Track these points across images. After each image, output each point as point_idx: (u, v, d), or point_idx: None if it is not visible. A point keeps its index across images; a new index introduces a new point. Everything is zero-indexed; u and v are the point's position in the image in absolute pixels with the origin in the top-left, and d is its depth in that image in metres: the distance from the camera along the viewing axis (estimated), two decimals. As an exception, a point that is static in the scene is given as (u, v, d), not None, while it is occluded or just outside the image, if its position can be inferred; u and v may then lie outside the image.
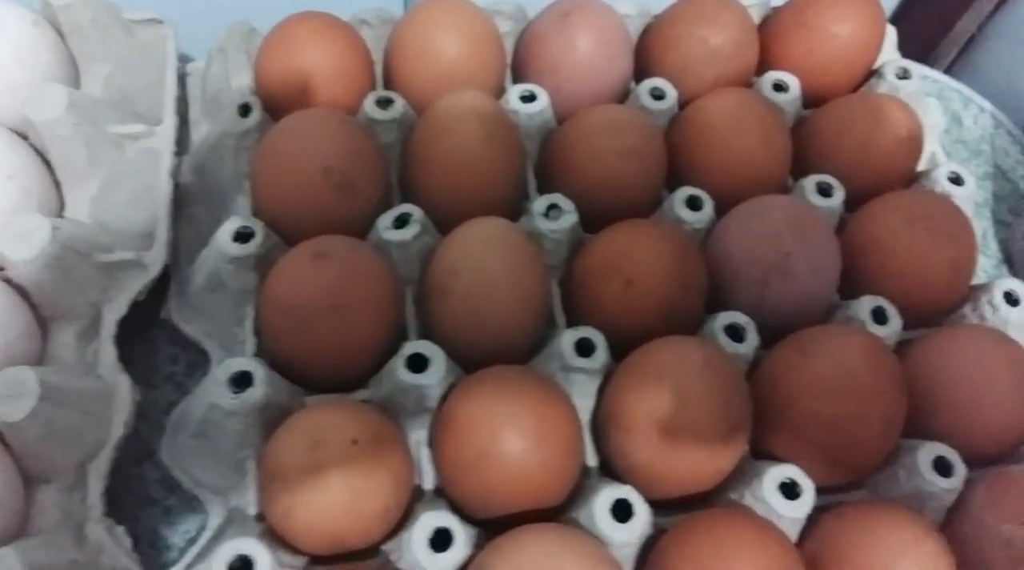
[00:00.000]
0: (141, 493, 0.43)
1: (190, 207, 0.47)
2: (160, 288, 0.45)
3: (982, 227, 0.54)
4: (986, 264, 0.53)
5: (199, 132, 0.50)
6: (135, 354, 0.46)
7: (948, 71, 0.65)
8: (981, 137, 0.58)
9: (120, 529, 0.38)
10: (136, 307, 0.43)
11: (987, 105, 0.59)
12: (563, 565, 0.32)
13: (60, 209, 0.45)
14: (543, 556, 0.32)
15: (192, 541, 0.41)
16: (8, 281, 0.40)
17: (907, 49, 0.58)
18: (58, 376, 0.38)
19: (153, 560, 0.41)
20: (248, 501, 0.38)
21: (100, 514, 0.38)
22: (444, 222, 0.43)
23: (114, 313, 0.41)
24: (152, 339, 0.46)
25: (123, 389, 0.40)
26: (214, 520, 0.39)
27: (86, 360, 0.41)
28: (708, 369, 0.37)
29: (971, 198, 0.47)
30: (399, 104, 0.46)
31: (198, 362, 0.45)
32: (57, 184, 0.45)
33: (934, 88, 0.59)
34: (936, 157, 0.52)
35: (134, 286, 0.42)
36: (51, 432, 0.37)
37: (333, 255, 0.39)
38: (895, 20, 0.65)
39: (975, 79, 0.62)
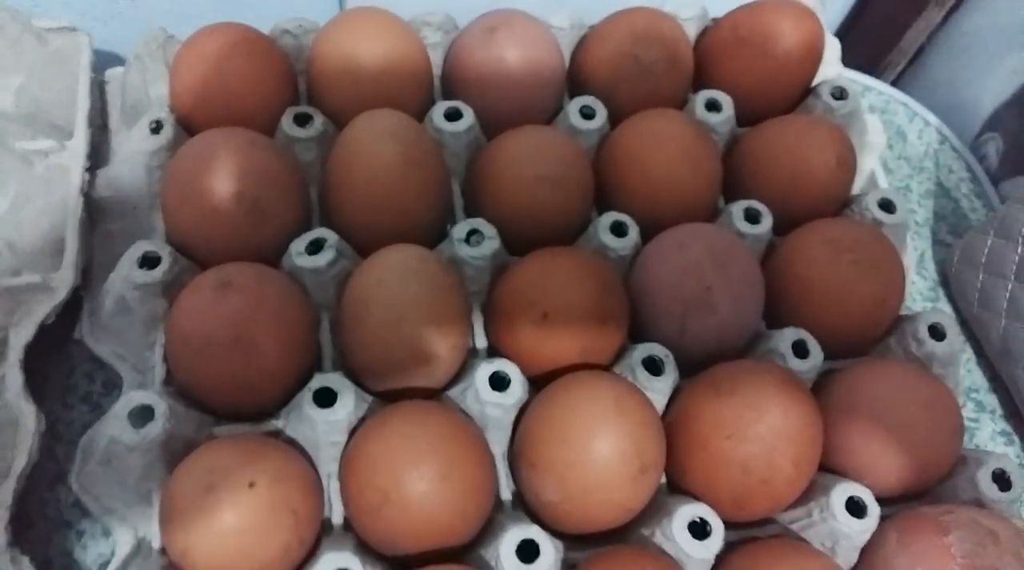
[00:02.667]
0: (55, 516, 0.42)
1: (106, 223, 0.46)
2: (76, 305, 0.44)
3: (920, 247, 0.54)
4: (923, 285, 0.53)
5: (119, 141, 0.48)
6: (51, 372, 0.45)
7: (896, 82, 0.64)
8: (925, 153, 0.57)
9: (25, 559, 0.37)
10: (51, 325, 0.42)
11: (933, 119, 0.58)
12: None
13: (-32, 227, 0.43)
14: None
15: (104, 566, 0.40)
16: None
17: (855, 60, 0.58)
18: (-44, 406, 0.37)
19: (66, 584, 0.41)
20: (154, 533, 0.38)
21: (4, 545, 0.37)
22: (362, 246, 0.42)
23: (21, 338, 0.40)
24: (68, 356, 0.46)
25: (28, 418, 0.39)
26: (122, 549, 0.39)
27: (-9, 387, 0.40)
28: (619, 411, 0.36)
29: (901, 225, 0.46)
30: (318, 122, 0.44)
31: (115, 380, 0.44)
32: (-36, 203, 0.43)
33: (879, 101, 0.58)
34: (875, 177, 0.51)
35: (41, 309, 0.41)
36: None
37: (237, 285, 0.38)
38: (843, 30, 0.64)
39: (923, 91, 0.61)
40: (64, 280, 0.41)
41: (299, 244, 0.41)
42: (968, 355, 0.50)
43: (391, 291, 0.38)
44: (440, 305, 0.39)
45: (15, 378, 0.40)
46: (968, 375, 0.49)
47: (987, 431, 0.49)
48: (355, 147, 0.41)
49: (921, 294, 0.52)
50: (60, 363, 0.45)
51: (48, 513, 0.42)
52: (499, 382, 0.39)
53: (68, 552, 0.41)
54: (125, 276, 0.40)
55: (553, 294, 0.40)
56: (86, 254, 0.44)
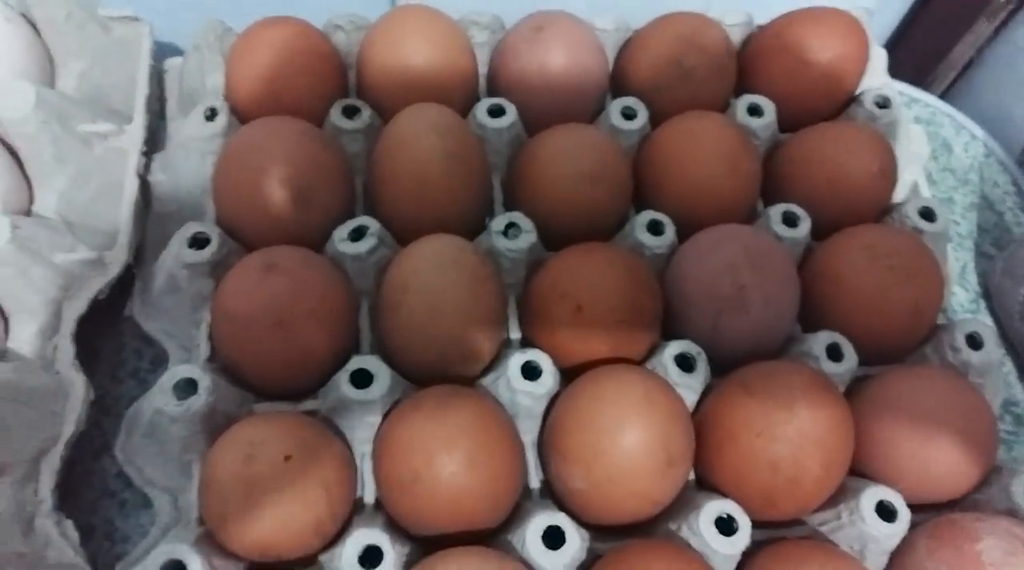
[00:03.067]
0: (100, 486, 0.44)
1: (160, 205, 0.47)
2: (129, 284, 0.46)
3: (963, 259, 0.53)
4: (964, 298, 0.52)
5: (176, 127, 0.50)
6: (102, 348, 0.47)
7: (944, 95, 0.64)
8: (971, 166, 0.57)
9: (69, 523, 0.39)
10: (103, 302, 0.44)
11: (979, 132, 0.57)
12: None
13: (30, 204, 0.45)
14: None
15: (144, 535, 0.42)
16: (-30, 273, 0.41)
17: (903, 72, 0.57)
18: (13, 372, 0.39)
19: (108, 551, 0.42)
20: (192, 503, 0.39)
21: (50, 508, 0.38)
22: (403, 235, 0.43)
23: (74, 311, 0.42)
24: (119, 333, 0.47)
25: (78, 387, 0.40)
26: (162, 518, 0.40)
27: (46, 356, 0.42)
28: (648, 403, 0.37)
29: (942, 234, 0.46)
30: (366, 114, 0.46)
31: (163, 358, 0.45)
32: (28, 180, 0.45)
33: (925, 113, 0.58)
34: (918, 187, 0.51)
35: (95, 285, 0.43)
36: (3, 426, 0.38)
37: (282, 267, 0.39)
38: (892, 42, 0.64)
39: (971, 105, 0.60)
40: (118, 258, 0.43)
41: (342, 231, 0.42)
42: (1008, 368, 0.49)
43: (428, 279, 0.39)
44: (476, 294, 0.40)
45: (67, 349, 0.41)
46: (1008, 388, 0.49)
47: (1026, 446, 0.48)
48: (399, 139, 0.42)
49: (962, 306, 0.52)
50: (111, 339, 0.47)
51: (93, 482, 0.44)
52: (531, 372, 0.40)
53: (110, 520, 0.43)
54: (175, 255, 0.41)
55: (587, 288, 0.40)
56: (139, 234, 0.45)
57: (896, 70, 0.55)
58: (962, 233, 0.54)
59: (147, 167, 0.47)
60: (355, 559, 0.35)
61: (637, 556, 0.36)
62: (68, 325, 0.42)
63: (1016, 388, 0.49)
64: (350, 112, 0.46)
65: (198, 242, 0.42)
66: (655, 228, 0.45)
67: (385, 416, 0.39)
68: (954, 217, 0.55)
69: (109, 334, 0.47)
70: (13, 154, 0.45)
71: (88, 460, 0.44)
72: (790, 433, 0.37)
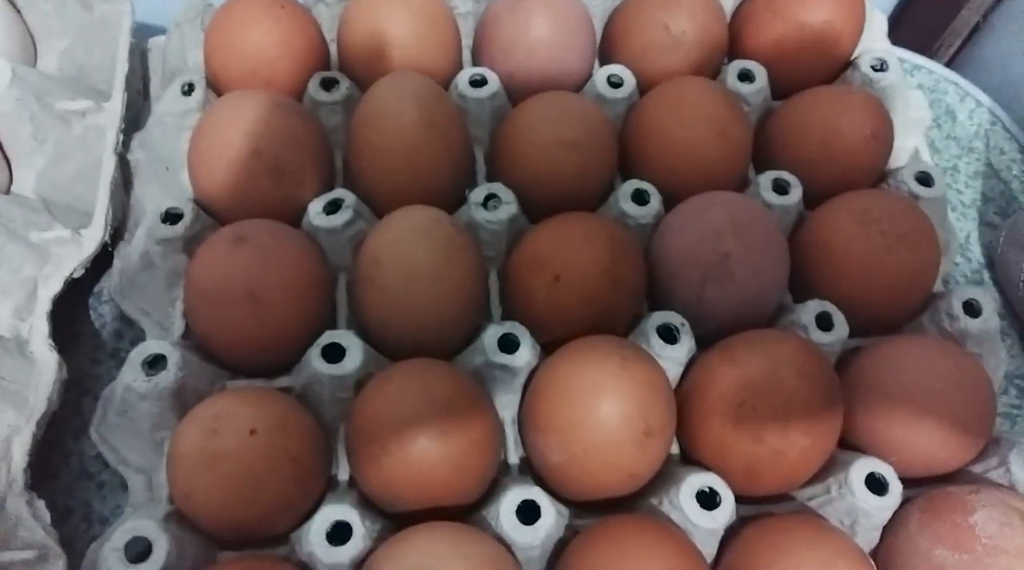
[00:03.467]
0: (78, 467, 0.43)
1: (139, 184, 0.47)
2: (109, 264, 0.46)
3: (966, 229, 0.52)
4: (967, 268, 0.50)
5: (157, 108, 0.50)
6: (82, 330, 0.47)
7: (950, 63, 0.62)
8: (976, 133, 0.55)
9: (40, 503, 0.38)
10: (83, 283, 0.44)
11: (985, 99, 0.55)
12: (446, 566, 0.31)
13: (8, 182, 0.45)
14: (425, 556, 0.32)
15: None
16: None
17: (908, 41, 0.56)
18: (-17, 351, 0.39)
19: (85, 533, 0.42)
20: (163, 482, 0.38)
21: (21, 487, 0.38)
22: (381, 209, 0.42)
23: (49, 290, 0.42)
24: (99, 315, 0.47)
25: (51, 366, 0.40)
26: (136, 499, 0.40)
27: (21, 336, 0.41)
28: (625, 372, 0.36)
29: (940, 199, 0.44)
30: (344, 86, 0.45)
31: (142, 338, 0.45)
32: (7, 159, 0.45)
33: (929, 80, 0.56)
34: (919, 155, 0.49)
35: (70, 264, 0.42)
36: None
37: (252, 240, 0.38)
38: (897, 11, 0.62)
39: (977, 72, 0.58)
40: (93, 236, 0.43)
41: (317, 204, 0.41)
42: (1012, 340, 0.48)
43: (403, 249, 0.38)
44: (451, 266, 0.39)
45: (41, 328, 0.41)
46: (1012, 360, 0.47)
47: (1031, 420, 0.46)
48: (376, 107, 0.41)
49: (965, 277, 0.50)
50: (91, 322, 0.47)
51: (71, 464, 0.43)
52: (509, 344, 0.39)
53: (88, 502, 0.42)
54: (149, 231, 0.41)
55: (564, 258, 0.39)
56: (118, 213, 0.45)
57: (900, 40, 0.53)
58: (966, 202, 0.52)
59: (126, 145, 0.46)
60: (323, 535, 0.34)
61: (615, 531, 0.35)
62: (43, 304, 0.41)
63: (1020, 360, 0.47)
64: (328, 84, 0.45)
65: (171, 217, 0.41)
66: (640, 197, 0.43)
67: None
68: (957, 186, 0.53)
69: (89, 317, 0.47)
70: (-9, 134, 0.44)
71: (67, 442, 0.44)
72: (774, 403, 0.36)
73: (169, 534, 0.34)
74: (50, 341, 0.41)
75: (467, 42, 0.50)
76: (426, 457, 0.34)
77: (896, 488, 0.37)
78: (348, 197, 0.41)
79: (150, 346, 0.38)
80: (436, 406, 0.35)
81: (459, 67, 0.49)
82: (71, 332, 0.45)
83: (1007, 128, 0.55)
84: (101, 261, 0.45)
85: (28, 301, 0.42)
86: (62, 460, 0.43)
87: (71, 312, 0.45)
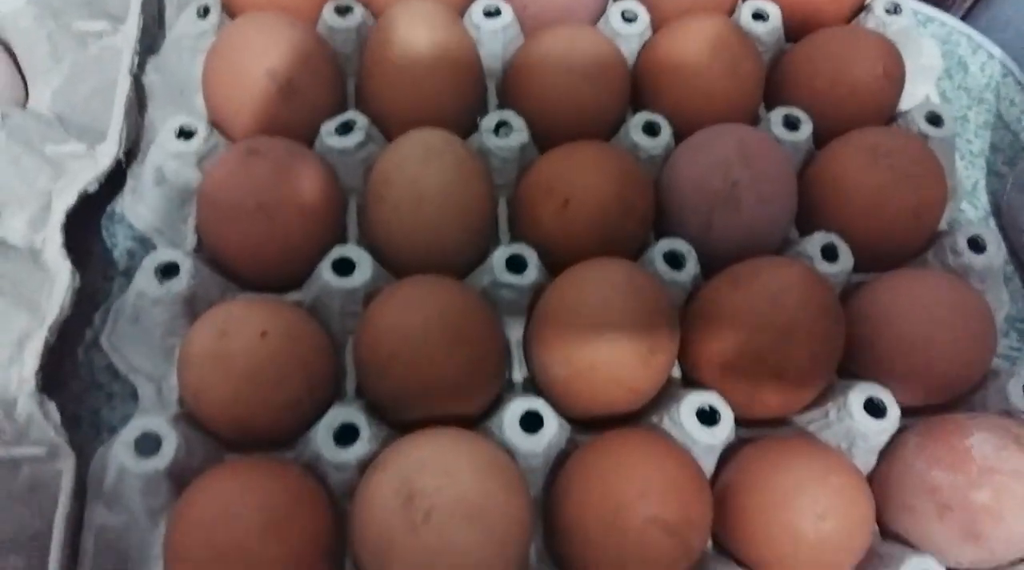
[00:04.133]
0: (88, 378, 0.44)
1: (153, 107, 0.47)
2: (120, 185, 0.46)
3: (974, 177, 0.52)
4: (973, 215, 0.51)
5: (172, 33, 0.50)
6: (94, 248, 0.47)
7: (964, 18, 0.62)
8: (987, 85, 0.55)
9: (52, 404, 0.39)
10: (96, 201, 0.44)
11: (997, 52, 0.55)
12: (451, 462, 0.32)
13: (25, 99, 0.45)
14: (433, 453, 0.32)
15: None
16: (-36, 166, 0.41)
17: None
18: None
19: (93, 440, 0.42)
20: (173, 387, 0.39)
21: (33, 389, 0.39)
22: (393, 133, 0.42)
23: (63, 203, 0.42)
24: (112, 234, 0.47)
25: (64, 274, 0.41)
26: (145, 405, 0.40)
27: (35, 248, 0.42)
28: (631, 290, 0.36)
29: (949, 140, 0.45)
30: (358, 12, 0.45)
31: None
32: (23, 76, 0.45)
33: (942, 31, 0.56)
34: (929, 100, 0.50)
35: (84, 177, 0.43)
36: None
37: (265, 154, 0.39)
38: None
39: (991, 27, 0.58)
40: (108, 151, 0.43)
41: (329, 125, 0.42)
42: (1015, 285, 0.48)
43: (413, 169, 0.39)
44: (462, 187, 0.39)
45: (54, 239, 0.41)
46: (1013, 304, 0.47)
47: (1031, 363, 0.47)
48: (389, 31, 0.42)
49: (971, 224, 0.50)
50: (103, 241, 0.47)
51: (81, 375, 0.44)
52: (516, 265, 0.39)
53: (97, 411, 0.43)
54: (162, 146, 0.41)
55: (575, 182, 0.40)
56: (132, 134, 0.45)
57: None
58: (974, 151, 0.53)
59: (141, 67, 0.46)
60: (330, 436, 0.35)
61: (616, 442, 0.36)
62: (57, 216, 0.42)
63: (1023, 304, 0.47)
64: (342, 11, 0.45)
65: (185, 133, 0.41)
66: (651, 129, 0.44)
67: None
68: (967, 135, 0.53)
69: (102, 236, 0.48)
70: (9, 51, 0.45)
71: (77, 354, 0.44)
72: (776, 324, 0.36)
73: (178, 432, 0.35)
74: (63, 251, 0.41)
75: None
76: (433, 366, 0.35)
77: (894, 412, 0.37)
78: (360, 119, 0.42)
79: (164, 254, 0.38)
80: (444, 316, 0.36)
81: (473, -1, 0.49)
82: (83, 251, 0.46)
83: (1019, 81, 0.55)
84: (114, 183, 0.46)
85: (42, 213, 0.42)
86: (72, 371, 0.44)
87: (84, 232, 0.45)
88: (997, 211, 0.50)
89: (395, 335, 0.35)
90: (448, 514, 0.31)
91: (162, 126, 0.45)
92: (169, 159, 0.41)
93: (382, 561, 0.32)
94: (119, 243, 0.47)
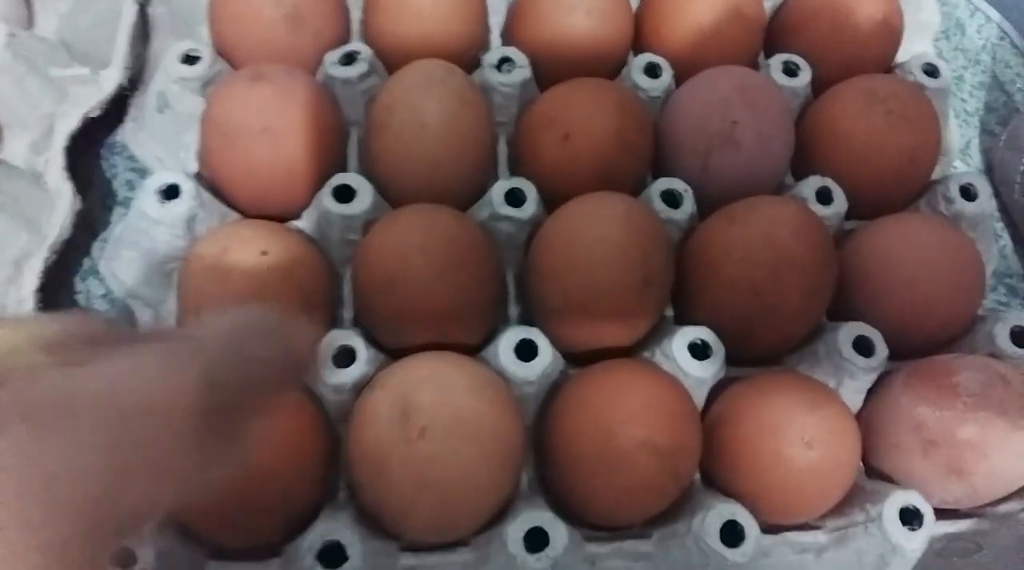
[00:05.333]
0: (85, 306, 0.44)
1: (158, 39, 0.47)
2: (122, 117, 0.46)
3: (968, 135, 0.52)
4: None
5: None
6: (94, 179, 0.47)
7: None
8: (983, 47, 0.55)
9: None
10: (98, 128, 0.45)
11: (995, 15, 0.56)
12: (447, 381, 0.32)
13: (30, 25, 0.45)
14: (431, 372, 0.33)
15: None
16: (-32, 83, 0.41)
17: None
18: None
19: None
20: (171, 312, 0.39)
21: (31, 309, 0.39)
22: (395, 66, 0.42)
23: (66, 126, 0.42)
24: (112, 165, 0.48)
25: (65, 196, 0.41)
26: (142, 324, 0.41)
27: (36, 170, 0.42)
28: (628, 221, 0.36)
29: (944, 91, 0.45)
30: (364, -54, 0.45)
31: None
32: (30, 3, 0.45)
33: (940, -7, 0.57)
34: (926, 57, 0.50)
35: (88, 102, 0.43)
36: (-11, 227, 0.38)
37: (270, 78, 0.39)
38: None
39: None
40: (111, 77, 0.43)
41: (333, 55, 0.42)
42: (1005, 242, 0.49)
43: (415, 97, 0.39)
44: (463, 117, 0.39)
45: (57, 161, 0.42)
46: (1003, 261, 0.48)
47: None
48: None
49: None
50: (103, 171, 0.47)
51: (78, 302, 0.44)
52: (515, 198, 0.40)
53: (94, 337, 0.43)
54: (166, 70, 0.41)
55: (575, 116, 0.40)
56: (137, 61, 0.45)
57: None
58: (969, 110, 0.53)
59: (147, -1, 0.47)
60: (329, 358, 0.35)
61: (608, 370, 0.36)
62: (60, 138, 0.42)
63: (1012, 261, 0.48)
64: (348, -57, 0.46)
65: (190, 59, 0.42)
66: (652, 71, 0.44)
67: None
68: (962, 95, 0.54)
69: (102, 166, 0.48)
70: (13, -25, 0.45)
71: (74, 282, 0.45)
72: (770, 258, 0.37)
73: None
74: (65, 173, 0.41)
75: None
76: (431, 288, 0.35)
77: (882, 351, 0.38)
78: (364, 50, 0.42)
79: (165, 175, 0.38)
80: (443, 240, 0.36)
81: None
82: (84, 180, 0.46)
83: (1015, 44, 0.55)
84: (116, 115, 0.46)
85: (45, 137, 0.42)
86: (68, 299, 0.44)
87: (84, 161, 0.45)
88: (990, 168, 0.51)
89: (394, 256, 0.36)
90: (443, 430, 0.31)
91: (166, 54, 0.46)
92: (173, 84, 0.41)
93: (377, 476, 0.32)
94: (119, 174, 0.47)
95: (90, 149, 0.46)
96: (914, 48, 0.50)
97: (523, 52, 0.43)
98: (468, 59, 0.44)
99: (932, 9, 0.50)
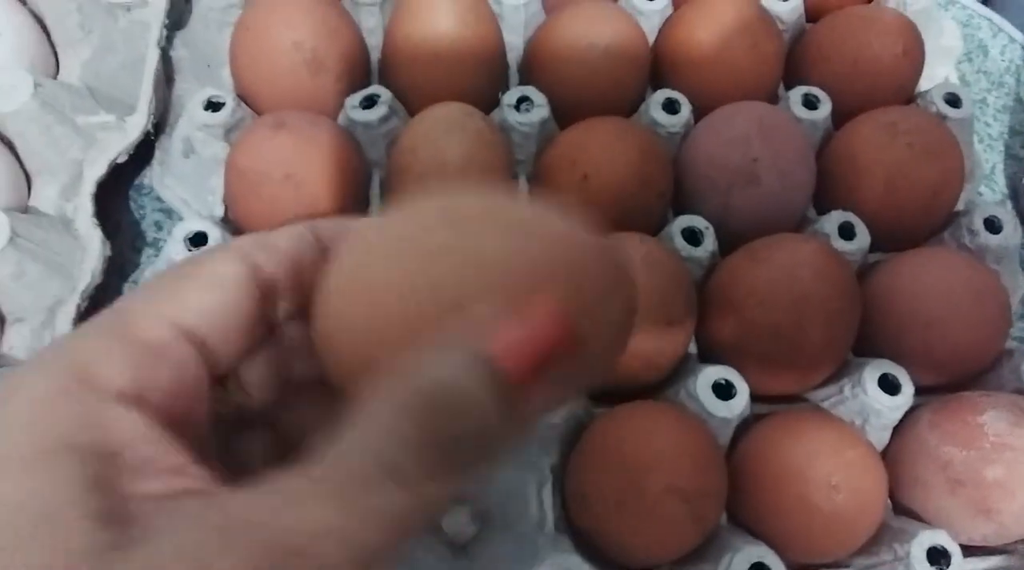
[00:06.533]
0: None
1: (181, 81, 0.48)
2: (150, 157, 0.47)
3: (992, 160, 0.52)
4: (991, 198, 0.51)
5: (197, 8, 0.51)
6: (122, 220, 0.48)
7: (986, 1, 0.62)
8: (1007, 68, 0.55)
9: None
10: (125, 172, 0.45)
11: (1018, 36, 0.56)
12: None
13: (55, 72, 0.46)
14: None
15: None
16: (-2, 134, 0.42)
17: (945, -21, 0.56)
18: (33, 225, 0.40)
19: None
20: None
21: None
22: (415, 108, 0.43)
23: (94, 172, 0.43)
24: (140, 206, 0.48)
25: (95, 242, 0.42)
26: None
27: (66, 217, 0.43)
28: (648, 264, 0.37)
29: (967, 121, 0.45)
30: (382, -13, 0.46)
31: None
32: (54, 48, 0.46)
33: (963, 15, 0.56)
34: (949, 82, 0.50)
35: (115, 148, 0.44)
36: (22, 274, 0.39)
37: (292, 126, 0.39)
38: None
39: (1012, 12, 0.58)
40: (137, 122, 0.44)
41: (354, 98, 0.42)
42: (1032, 269, 0.48)
43: (436, 140, 0.39)
44: (483, 158, 0.40)
45: (86, 207, 0.42)
46: (1029, 287, 0.47)
47: (1045, 348, 0.47)
48: (413, 6, 0.42)
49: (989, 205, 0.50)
50: (131, 213, 0.48)
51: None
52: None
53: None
54: (191, 117, 0.42)
55: (594, 156, 0.40)
56: (160, 105, 0.46)
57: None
58: (993, 135, 0.53)
59: (169, 41, 0.47)
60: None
61: (633, 412, 0.36)
62: (88, 185, 0.43)
63: (1038, 287, 0.48)
64: (367, -14, 0.46)
65: (213, 105, 0.42)
66: (671, 107, 0.44)
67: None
68: (986, 118, 0.53)
69: (130, 208, 0.48)
70: (40, 22, 0.46)
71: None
72: (793, 299, 0.37)
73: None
74: (94, 219, 0.42)
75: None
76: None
77: (908, 389, 0.38)
78: (384, 93, 0.42)
79: (193, 223, 0.39)
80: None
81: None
82: (112, 223, 0.47)
83: (1039, 65, 0.55)
84: (142, 157, 0.47)
85: (74, 183, 0.43)
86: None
87: (113, 204, 0.46)
88: (1015, 194, 0.50)
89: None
90: None
91: (189, 99, 0.46)
92: (197, 130, 0.42)
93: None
94: (147, 215, 0.48)
95: (118, 191, 0.47)
96: (936, 73, 0.50)
97: (541, 90, 0.44)
98: (487, 99, 0.45)
99: (954, 35, 0.50)
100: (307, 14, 0.42)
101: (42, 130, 0.42)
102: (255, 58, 0.42)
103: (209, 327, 0.17)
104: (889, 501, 0.38)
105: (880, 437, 0.39)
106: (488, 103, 0.45)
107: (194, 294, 0.18)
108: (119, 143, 0.44)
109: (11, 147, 0.42)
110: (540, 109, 0.43)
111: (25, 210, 0.43)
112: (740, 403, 0.37)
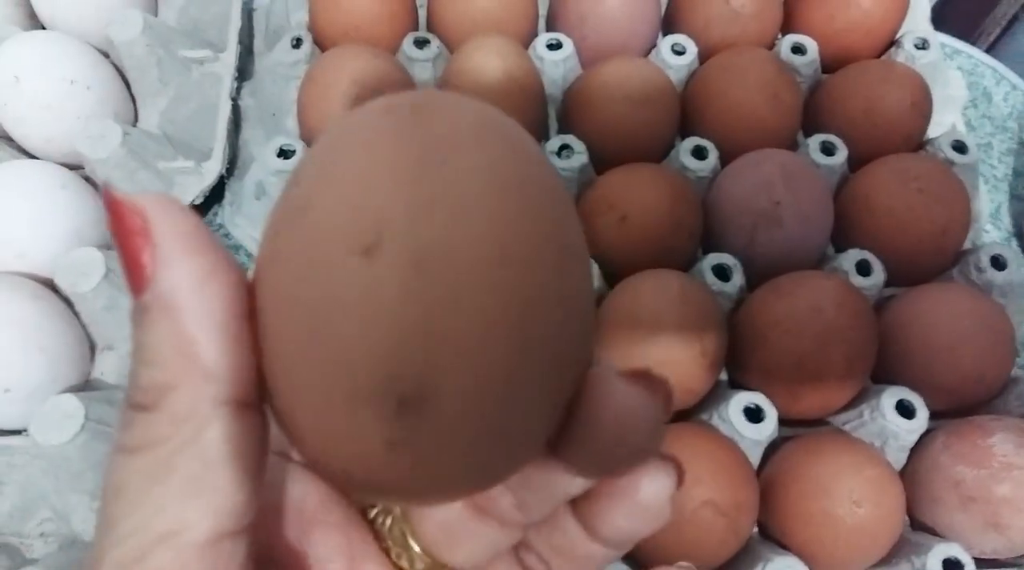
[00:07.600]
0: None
1: (247, 128, 0.52)
2: (219, 198, 0.51)
3: (998, 200, 0.56)
4: (997, 236, 0.54)
5: (261, 62, 0.55)
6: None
7: (989, 50, 0.66)
8: (1010, 113, 0.59)
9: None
10: (198, 212, 0.49)
11: (1021, 83, 0.59)
12: None
13: (134, 120, 0.51)
14: None
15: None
16: (87, 178, 0.46)
17: (952, 28, 0.60)
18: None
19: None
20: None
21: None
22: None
23: (172, 214, 0.47)
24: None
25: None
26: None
27: (146, 253, 0.47)
28: (683, 299, 0.40)
29: (972, 166, 0.49)
30: (435, 45, 0.50)
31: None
32: (133, 98, 0.51)
33: (968, 64, 0.60)
34: (955, 130, 0.54)
35: (192, 191, 0.48)
36: (113, 305, 0.43)
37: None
38: (940, 1, 0.66)
39: (1014, 60, 0.62)
40: (212, 168, 0.48)
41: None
42: (1036, 302, 0.52)
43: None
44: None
45: (166, 246, 0.46)
46: (1034, 320, 0.51)
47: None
48: (464, 62, 0.47)
49: (994, 244, 0.54)
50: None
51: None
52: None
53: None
54: (265, 163, 0.46)
55: (633, 200, 0.44)
56: (231, 151, 0.50)
57: (944, 28, 0.57)
58: (998, 176, 0.56)
59: (238, 91, 0.51)
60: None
61: (671, 434, 0.40)
62: (167, 226, 0.47)
63: (1043, 320, 0.51)
64: (420, 44, 0.50)
65: (284, 153, 0.46)
66: (699, 153, 0.48)
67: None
68: (991, 161, 0.57)
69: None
70: (122, 76, 0.50)
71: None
72: (816, 330, 0.40)
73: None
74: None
75: (544, 11, 0.55)
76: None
77: (923, 413, 0.41)
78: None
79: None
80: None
81: (537, 32, 0.54)
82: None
83: (1040, 111, 0.59)
84: (211, 198, 0.51)
85: (153, 223, 0.47)
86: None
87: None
88: (1019, 232, 0.54)
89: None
90: None
91: (256, 145, 0.51)
92: (270, 175, 0.46)
93: None
94: (215, 250, 0.52)
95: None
96: (944, 119, 0.53)
97: (579, 137, 0.48)
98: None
99: (959, 84, 0.54)
100: (369, 70, 0.46)
101: (127, 175, 0.46)
102: (321, 109, 0.46)
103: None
104: (907, 518, 0.42)
105: (898, 458, 0.42)
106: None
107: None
108: (196, 186, 0.48)
109: (97, 190, 0.47)
110: (580, 155, 0.47)
111: (109, 247, 0.47)
112: (769, 426, 0.41)
